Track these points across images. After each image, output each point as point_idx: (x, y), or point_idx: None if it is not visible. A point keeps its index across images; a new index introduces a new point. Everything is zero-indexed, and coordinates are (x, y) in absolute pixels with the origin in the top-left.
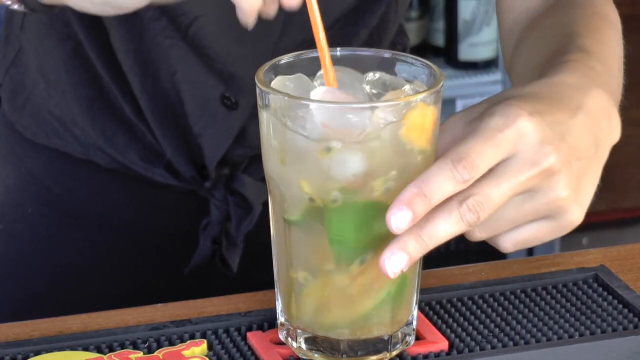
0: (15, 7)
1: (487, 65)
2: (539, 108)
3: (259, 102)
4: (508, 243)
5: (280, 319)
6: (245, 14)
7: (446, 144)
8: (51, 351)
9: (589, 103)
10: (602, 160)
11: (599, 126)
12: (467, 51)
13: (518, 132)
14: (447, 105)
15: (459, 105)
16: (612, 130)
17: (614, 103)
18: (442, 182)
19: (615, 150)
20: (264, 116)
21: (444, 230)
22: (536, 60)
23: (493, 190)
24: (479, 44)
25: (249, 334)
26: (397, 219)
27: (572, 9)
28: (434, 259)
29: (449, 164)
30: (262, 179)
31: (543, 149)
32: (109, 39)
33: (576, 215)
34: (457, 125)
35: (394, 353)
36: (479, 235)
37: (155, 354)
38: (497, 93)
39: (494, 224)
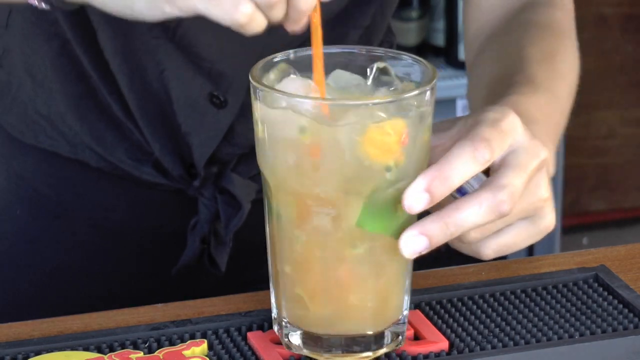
0: (42, 5)
1: None
2: None
3: (253, 98)
4: (490, 249)
5: (274, 313)
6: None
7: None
8: (51, 351)
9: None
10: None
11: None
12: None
13: (513, 124)
14: (447, 105)
15: (459, 105)
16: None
17: (551, 141)
18: (464, 163)
19: (615, 150)
20: (257, 113)
21: (472, 221)
22: (486, 79)
23: (517, 180)
24: None
25: (249, 334)
26: (413, 200)
27: (529, 29)
28: (434, 258)
29: (470, 146)
30: (251, 177)
31: (534, 142)
32: (97, 37)
33: (552, 220)
34: (441, 140)
35: (384, 350)
36: (474, 235)
37: (155, 353)
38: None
39: (485, 228)
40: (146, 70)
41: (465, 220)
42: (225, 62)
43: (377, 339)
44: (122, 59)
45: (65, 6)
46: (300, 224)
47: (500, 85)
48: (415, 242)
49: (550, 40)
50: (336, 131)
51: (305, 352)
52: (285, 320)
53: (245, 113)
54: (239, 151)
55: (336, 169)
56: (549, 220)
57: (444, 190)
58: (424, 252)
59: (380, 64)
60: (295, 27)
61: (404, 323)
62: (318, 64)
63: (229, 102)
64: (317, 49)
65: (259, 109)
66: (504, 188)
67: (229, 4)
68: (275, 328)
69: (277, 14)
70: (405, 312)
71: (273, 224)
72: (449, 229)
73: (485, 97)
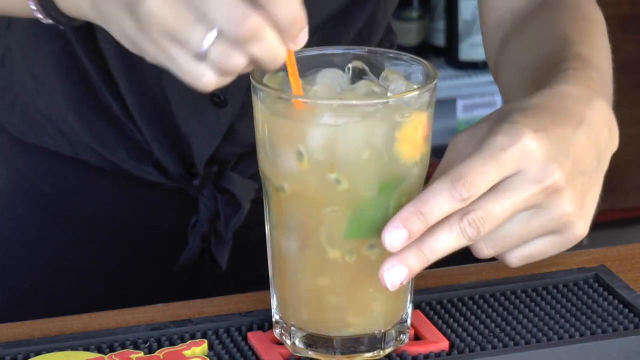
0: (44, 19)
1: (487, 66)
2: (543, 123)
3: (253, 98)
4: (515, 258)
5: (275, 317)
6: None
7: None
8: (52, 351)
9: (592, 115)
10: (603, 171)
11: (601, 138)
12: (468, 51)
13: (523, 150)
14: (447, 105)
15: (459, 105)
16: (612, 141)
17: (611, 111)
18: (440, 200)
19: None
20: (258, 113)
21: (444, 244)
22: (527, 62)
23: (495, 206)
24: (479, 44)
25: (249, 334)
26: (393, 237)
27: (561, 11)
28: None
29: (448, 183)
30: (251, 177)
31: (548, 167)
32: (97, 38)
33: (581, 230)
34: (469, 145)
35: (388, 350)
36: (486, 252)
37: (155, 354)
38: (500, 107)
39: (501, 240)
40: (145, 71)
41: (438, 246)
42: None
43: (383, 339)
44: (121, 59)
45: (70, 22)
46: (311, 226)
47: (547, 65)
48: (396, 273)
49: (585, 22)
50: (371, 131)
51: (311, 354)
52: (290, 322)
53: (245, 112)
54: (239, 150)
55: (372, 170)
56: (578, 230)
57: (421, 227)
58: (404, 282)
59: (357, 64)
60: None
61: (407, 321)
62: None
63: (229, 101)
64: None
65: (259, 109)
66: (470, 212)
67: (194, 74)
68: (277, 332)
69: (244, 72)
70: (409, 310)
71: (277, 228)
72: (425, 255)
73: (530, 81)
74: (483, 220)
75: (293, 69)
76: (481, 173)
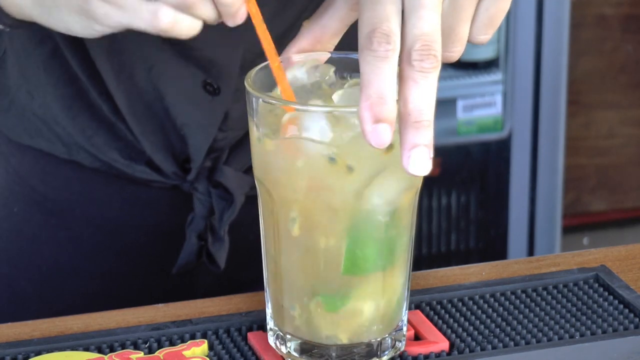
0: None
1: (487, 65)
2: None
3: (248, 107)
4: (477, 35)
5: (270, 324)
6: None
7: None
8: (52, 351)
9: None
10: None
11: None
12: (467, 51)
13: None
14: (447, 105)
15: (459, 105)
16: None
17: None
18: (378, 71)
19: (616, 150)
20: (254, 121)
21: (424, 96)
22: None
23: (421, 25)
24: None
25: (249, 334)
26: (376, 136)
27: None
28: (434, 259)
29: (368, 53)
30: (244, 170)
31: None
32: (84, 39)
33: None
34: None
35: (385, 359)
36: (457, 55)
37: (156, 354)
38: None
39: (454, 38)
40: (133, 69)
41: (422, 102)
42: (215, 49)
43: (379, 347)
44: (108, 58)
45: (15, 24)
46: (308, 236)
47: None
48: (418, 157)
49: None
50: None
51: None
52: (285, 330)
53: (237, 98)
54: (232, 135)
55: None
56: None
57: (390, 107)
58: (431, 160)
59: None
60: (232, 21)
61: (402, 329)
62: (271, 54)
63: (222, 88)
64: (267, 43)
65: (255, 118)
66: (411, 53)
67: (148, 14)
68: (271, 340)
69: (204, 13)
70: (405, 318)
71: (275, 236)
72: (422, 122)
73: None
74: (427, 46)
75: (264, 33)
76: (382, 20)
